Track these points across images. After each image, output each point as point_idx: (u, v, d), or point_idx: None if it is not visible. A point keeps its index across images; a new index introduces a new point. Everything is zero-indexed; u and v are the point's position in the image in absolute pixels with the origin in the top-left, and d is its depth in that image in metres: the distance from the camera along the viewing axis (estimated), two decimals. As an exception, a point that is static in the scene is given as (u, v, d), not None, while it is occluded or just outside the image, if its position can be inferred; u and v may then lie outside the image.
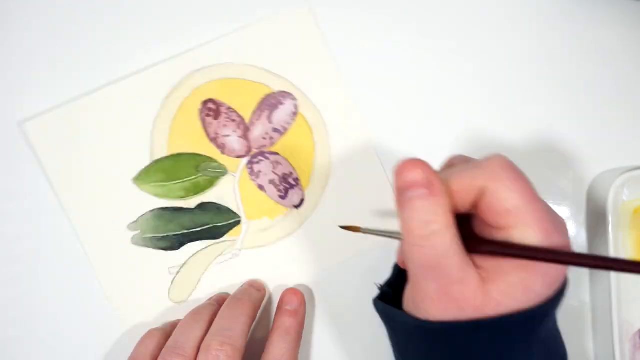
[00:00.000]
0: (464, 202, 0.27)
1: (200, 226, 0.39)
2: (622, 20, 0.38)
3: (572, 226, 0.38)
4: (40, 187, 0.38)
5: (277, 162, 0.39)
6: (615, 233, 0.36)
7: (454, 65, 0.38)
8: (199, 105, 0.38)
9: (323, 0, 0.38)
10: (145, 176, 0.38)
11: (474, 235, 0.28)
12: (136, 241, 0.38)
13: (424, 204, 0.26)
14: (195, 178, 0.38)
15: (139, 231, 0.38)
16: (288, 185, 0.39)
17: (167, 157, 0.38)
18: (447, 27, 0.39)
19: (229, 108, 0.38)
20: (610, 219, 0.36)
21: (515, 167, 0.27)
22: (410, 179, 0.26)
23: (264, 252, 0.39)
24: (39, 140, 0.38)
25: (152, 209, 0.38)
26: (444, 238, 0.26)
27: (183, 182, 0.38)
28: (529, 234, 0.26)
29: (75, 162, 0.38)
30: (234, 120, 0.38)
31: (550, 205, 0.34)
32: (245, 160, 0.39)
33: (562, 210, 0.38)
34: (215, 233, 0.39)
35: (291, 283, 0.39)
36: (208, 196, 0.39)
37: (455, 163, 0.31)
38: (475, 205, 0.27)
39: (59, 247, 0.38)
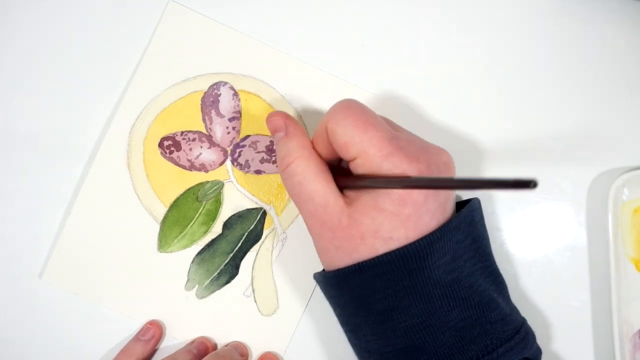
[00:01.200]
0: (327, 146, 0.31)
1: (239, 240, 0.39)
2: (622, 20, 0.38)
3: (572, 226, 0.38)
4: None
5: (254, 142, 0.39)
6: (615, 233, 0.36)
7: (453, 65, 0.38)
8: (158, 150, 0.38)
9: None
10: (165, 240, 0.39)
11: (344, 173, 0.32)
12: (201, 294, 0.39)
13: (281, 143, 0.32)
14: (203, 208, 0.38)
15: (196, 285, 0.39)
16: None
17: (168, 211, 0.38)
18: (447, 27, 0.38)
19: (182, 132, 0.38)
20: (610, 219, 0.36)
21: (348, 104, 0.31)
22: (272, 125, 0.33)
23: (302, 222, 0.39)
24: (63, 284, 0.38)
25: (191, 260, 0.39)
26: (296, 167, 0.31)
27: (196, 219, 0.38)
28: (368, 161, 0.29)
29: (102, 276, 0.38)
30: (194, 139, 0.38)
31: (550, 205, 0.38)
32: (228, 162, 0.39)
33: (562, 210, 0.38)
34: (255, 236, 0.39)
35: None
36: (224, 213, 0.39)
37: None
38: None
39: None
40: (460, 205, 0.33)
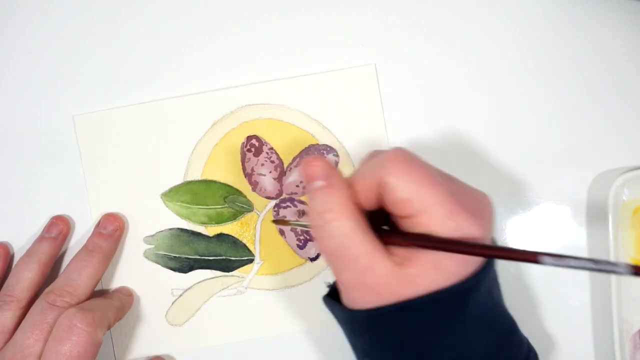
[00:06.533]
0: (371, 198, 0.28)
1: (214, 255, 0.39)
2: (622, 20, 0.39)
3: (572, 226, 0.38)
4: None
5: (303, 213, 0.39)
6: (615, 233, 0.36)
7: (452, 66, 0.39)
8: (242, 139, 0.39)
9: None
10: (174, 194, 0.39)
11: (387, 227, 0.30)
12: (148, 255, 0.39)
13: (320, 196, 0.28)
14: (221, 208, 0.39)
15: (153, 246, 0.39)
16: (308, 237, 0.39)
17: (200, 181, 0.39)
18: (447, 28, 0.39)
19: (271, 148, 0.39)
20: (610, 219, 0.36)
21: (409, 157, 0.28)
22: (310, 172, 0.29)
23: (270, 296, 0.38)
24: (84, 135, 0.39)
25: (171, 227, 0.39)
26: (340, 228, 0.27)
27: (208, 208, 0.39)
28: (431, 219, 0.27)
29: (112, 163, 0.39)
30: (272, 162, 0.39)
31: (550, 205, 0.37)
32: (273, 203, 0.39)
33: (562, 210, 0.38)
34: (226, 265, 0.39)
35: (290, 331, 0.38)
36: (229, 228, 0.39)
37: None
38: (381, 199, 0.28)
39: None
40: None
